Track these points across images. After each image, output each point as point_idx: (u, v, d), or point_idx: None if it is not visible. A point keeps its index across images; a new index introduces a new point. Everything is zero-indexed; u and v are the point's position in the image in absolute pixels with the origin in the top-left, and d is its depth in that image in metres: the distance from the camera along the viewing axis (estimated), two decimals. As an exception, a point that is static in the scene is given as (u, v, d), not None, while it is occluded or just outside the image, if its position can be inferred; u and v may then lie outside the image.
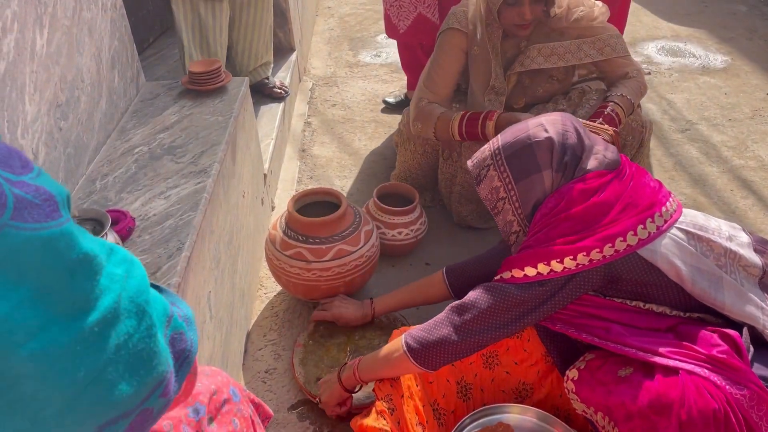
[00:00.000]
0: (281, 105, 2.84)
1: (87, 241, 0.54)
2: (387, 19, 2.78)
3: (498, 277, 1.39)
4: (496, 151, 1.40)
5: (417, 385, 1.47)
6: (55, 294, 0.50)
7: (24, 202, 0.48)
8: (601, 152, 1.40)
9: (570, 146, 1.37)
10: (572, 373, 1.35)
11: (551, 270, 1.31)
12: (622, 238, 1.29)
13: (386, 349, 1.44)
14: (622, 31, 2.69)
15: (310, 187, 2.59)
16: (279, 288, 2.08)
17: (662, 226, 1.31)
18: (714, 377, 1.20)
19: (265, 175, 2.37)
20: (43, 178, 0.52)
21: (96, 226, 1.28)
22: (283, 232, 1.90)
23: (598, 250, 1.29)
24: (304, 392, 1.72)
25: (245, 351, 1.87)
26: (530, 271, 1.33)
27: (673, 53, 3.81)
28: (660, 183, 1.41)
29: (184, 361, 0.66)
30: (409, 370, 1.40)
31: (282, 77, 3.08)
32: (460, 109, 2.18)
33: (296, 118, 3.22)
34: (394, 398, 1.36)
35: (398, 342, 1.40)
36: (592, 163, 1.37)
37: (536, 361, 1.54)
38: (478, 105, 2.10)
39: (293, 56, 3.31)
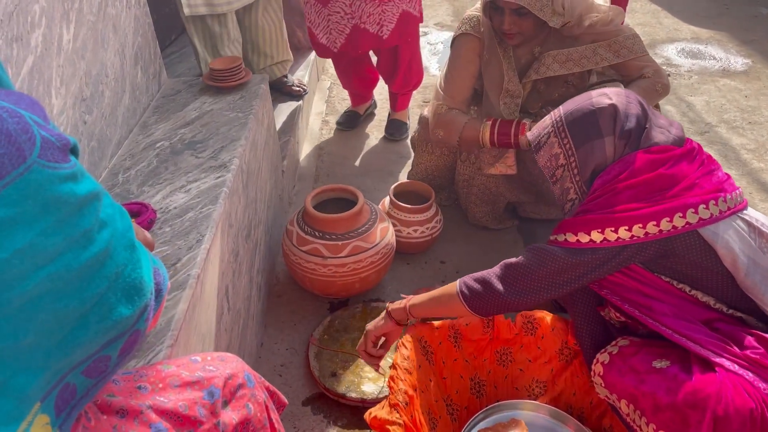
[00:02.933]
0: (299, 103, 2.86)
1: (90, 182, 0.61)
2: (314, 40, 2.65)
3: (552, 238, 1.39)
4: (558, 119, 1.40)
5: (430, 380, 1.49)
6: (69, 226, 0.56)
7: (49, 144, 0.55)
8: (665, 127, 1.38)
9: (633, 115, 1.36)
10: (603, 356, 1.34)
11: (605, 239, 1.29)
12: (681, 214, 1.25)
13: (440, 291, 1.47)
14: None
15: (327, 184, 2.61)
16: (295, 285, 2.11)
17: (725, 211, 1.27)
18: (751, 376, 1.18)
19: (283, 172, 2.40)
20: (57, 129, 0.59)
21: None
22: (300, 227, 1.92)
23: (654, 223, 1.26)
24: (318, 386, 1.74)
25: (261, 344, 1.89)
26: (583, 238, 1.31)
27: (693, 55, 3.78)
28: (729, 176, 1.37)
29: (159, 292, 0.74)
30: (462, 313, 1.43)
31: (300, 76, 3.11)
32: (477, 114, 2.18)
33: (314, 117, 3.24)
34: (408, 392, 1.37)
35: (453, 287, 1.43)
36: (658, 137, 1.35)
37: (550, 359, 1.54)
38: (494, 109, 2.10)
39: (312, 55, 3.33)
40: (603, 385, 1.32)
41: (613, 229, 1.28)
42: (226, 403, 0.94)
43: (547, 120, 1.43)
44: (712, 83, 3.43)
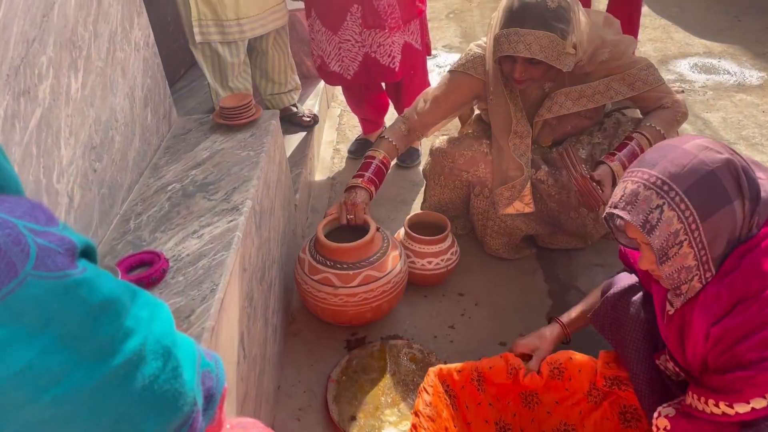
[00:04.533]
0: (310, 134, 2.84)
1: (110, 285, 0.55)
2: (324, 69, 2.61)
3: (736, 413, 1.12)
4: (663, 187, 1.12)
5: (455, 427, 1.44)
6: (79, 339, 0.51)
7: (47, 251, 0.50)
8: (765, 179, 1.17)
9: (746, 168, 1.14)
10: (667, 410, 1.25)
11: None
12: None
13: None
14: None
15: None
16: (311, 321, 2.07)
17: None
18: None
19: (296, 206, 2.37)
20: (67, 231, 0.54)
21: None
22: (312, 256, 1.90)
23: None
24: (338, 431, 1.69)
25: (278, 387, 1.85)
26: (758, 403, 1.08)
27: (706, 70, 3.73)
28: None
29: (211, 398, 0.68)
30: None
31: (310, 105, 3.10)
32: (489, 147, 2.14)
33: (325, 145, 3.22)
34: None
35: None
36: None
37: (578, 401, 1.49)
38: (503, 151, 2.07)
39: (321, 84, 3.32)
40: (669, 427, 1.23)
41: None
42: None
43: (642, 190, 1.14)
44: (727, 99, 3.38)
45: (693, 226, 1.11)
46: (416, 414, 1.37)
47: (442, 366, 1.51)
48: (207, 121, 2.11)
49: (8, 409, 0.48)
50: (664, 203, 1.12)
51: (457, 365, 1.51)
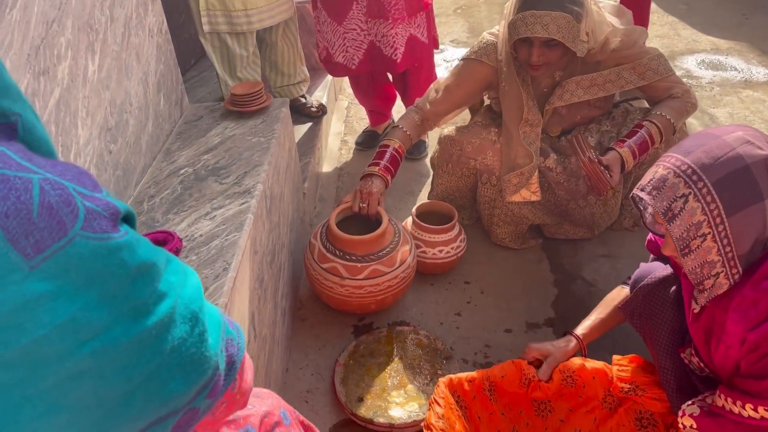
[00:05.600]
0: (318, 125, 2.87)
1: (147, 250, 0.57)
2: (329, 60, 2.63)
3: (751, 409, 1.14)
4: (693, 177, 1.10)
5: None
6: (118, 298, 0.54)
7: (94, 214, 0.52)
8: None
9: None
10: (692, 408, 1.24)
11: None
12: None
13: None
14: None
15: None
16: (318, 307, 2.09)
17: None
18: None
19: (304, 194, 2.39)
20: (110, 197, 0.57)
21: None
22: (322, 243, 1.92)
23: None
24: (345, 412, 1.71)
25: (286, 370, 1.87)
26: None
27: (713, 66, 3.74)
28: None
29: (232, 365, 0.70)
30: None
31: (318, 96, 3.12)
32: (497, 136, 2.16)
33: (333, 137, 3.25)
34: None
35: None
36: None
37: (593, 408, 1.46)
38: (513, 138, 2.08)
39: (329, 75, 3.34)
40: (695, 426, 1.22)
41: None
42: None
43: (671, 177, 1.13)
44: (734, 95, 3.39)
45: (717, 220, 1.08)
46: (429, 428, 1.34)
47: (452, 376, 1.48)
48: (218, 108, 2.13)
49: (51, 359, 0.50)
50: (690, 193, 1.10)
51: (468, 375, 1.48)
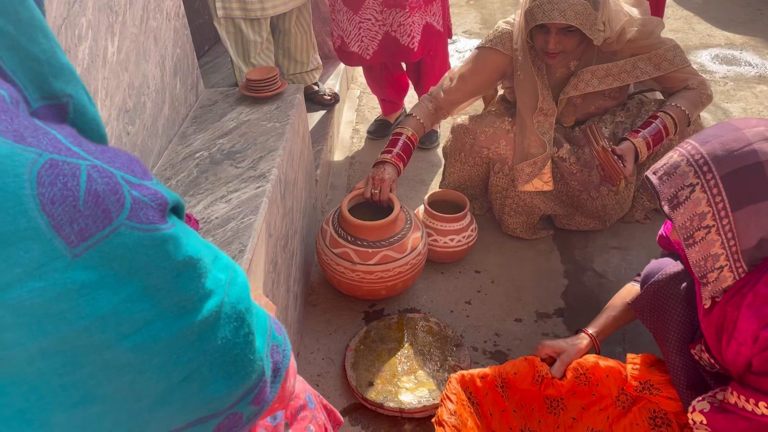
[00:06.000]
0: (330, 113, 2.87)
1: (195, 244, 0.55)
2: (344, 49, 2.64)
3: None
4: (704, 167, 1.10)
5: None
6: (161, 292, 0.52)
7: (141, 204, 0.50)
8: None
9: None
10: (702, 404, 1.24)
11: None
12: None
13: None
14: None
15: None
16: (329, 294, 2.11)
17: None
18: None
19: (316, 181, 2.40)
20: (160, 186, 0.55)
21: None
22: (334, 228, 1.93)
23: None
24: (356, 396, 1.73)
25: (297, 354, 1.89)
26: None
27: (727, 61, 3.72)
28: None
29: (277, 372, 0.68)
30: None
31: (331, 84, 3.12)
32: (511, 125, 2.16)
33: (344, 125, 3.25)
34: None
35: None
36: None
37: (606, 406, 1.45)
38: (526, 127, 2.08)
39: (342, 64, 3.34)
40: (705, 422, 1.22)
41: None
42: (287, 426, 0.93)
43: (683, 165, 1.13)
44: (748, 89, 3.37)
45: (722, 213, 1.08)
46: (440, 424, 1.33)
47: (464, 372, 1.48)
48: (233, 94, 2.14)
49: (89, 350, 0.50)
50: (698, 183, 1.10)
51: (480, 371, 1.48)
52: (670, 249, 1.53)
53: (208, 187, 1.63)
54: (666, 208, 1.17)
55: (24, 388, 0.49)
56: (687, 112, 1.96)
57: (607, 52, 1.98)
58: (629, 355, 1.48)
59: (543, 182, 2.08)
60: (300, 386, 1.00)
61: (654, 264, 1.54)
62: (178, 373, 0.55)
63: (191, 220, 1.45)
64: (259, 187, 1.62)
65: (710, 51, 3.86)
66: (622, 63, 1.97)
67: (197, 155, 1.78)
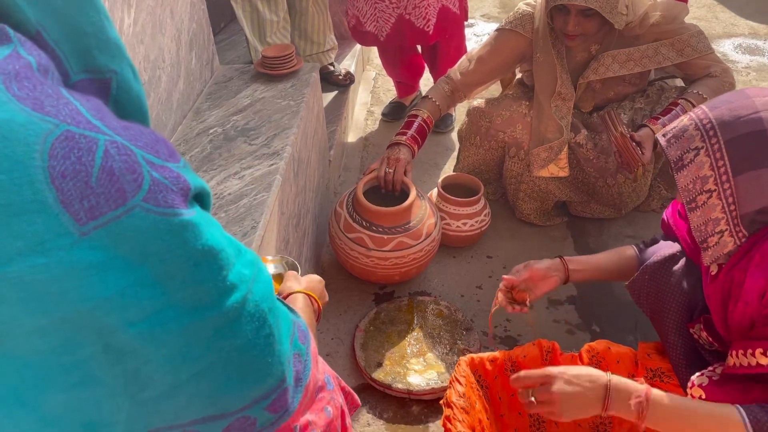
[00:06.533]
0: (345, 94, 2.85)
1: (216, 235, 0.53)
2: (359, 29, 2.62)
3: None
4: (710, 131, 1.11)
5: (488, 419, 1.39)
6: (175, 280, 0.49)
7: (160, 186, 0.48)
8: None
9: None
10: (701, 379, 1.22)
11: None
12: None
13: (709, 408, 1.11)
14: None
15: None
16: (340, 274, 2.10)
17: None
18: None
19: (329, 162, 2.39)
20: (186, 170, 0.52)
21: None
22: (349, 213, 1.92)
23: None
24: (364, 377, 1.73)
25: (307, 333, 1.89)
26: None
27: (750, 51, 3.65)
28: None
29: (298, 383, 0.64)
30: None
31: (347, 65, 3.09)
32: (528, 109, 2.13)
33: (359, 107, 3.23)
34: None
35: (731, 411, 1.08)
36: None
37: None
38: (543, 111, 2.05)
39: (358, 45, 3.31)
40: (704, 397, 1.20)
41: None
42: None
43: (691, 129, 1.14)
44: (771, 80, 3.31)
45: (724, 178, 1.10)
46: (449, 405, 1.31)
47: (474, 356, 1.46)
48: (248, 71, 2.13)
49: (91, 332, 0.48)
50: (702, 147, 1.12)
51: (490, 355, 1.46)
52: (670, 234, 1.51)
53: (221, 163, 1.62)
54: (672, 170, 1.18)
55: (18, 364, 0.47)
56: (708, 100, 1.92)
57: (629, 36, 1.94)
58: (641, 343, 1.47)
59: (559, 168, 2.05)
60: (319, 367, 0.99)
61: (650, 247, 1.54)
62: (188, 367, 0.52)
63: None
64: (272, 164, 1.61)
65: (733, 40, 3.79)
66: (644, 48, 1.93)
67: (211, 131, 1.77)
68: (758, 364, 1.10)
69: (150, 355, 0.50)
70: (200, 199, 0.53)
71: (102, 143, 0.45)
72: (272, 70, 2.05)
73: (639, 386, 1.12)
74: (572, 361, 1.45)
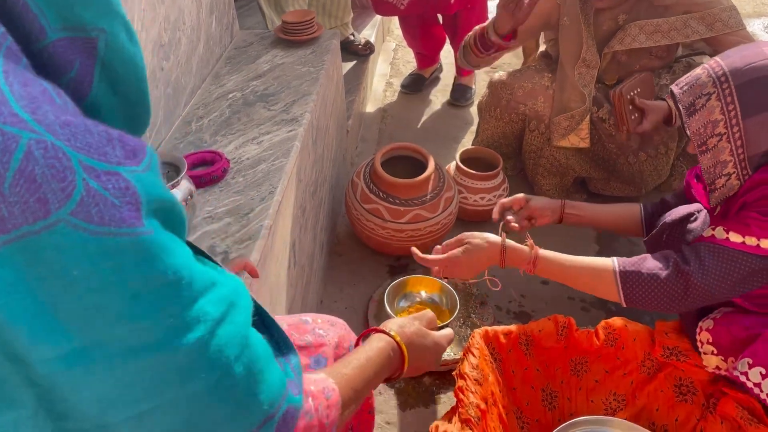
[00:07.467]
0: (364, 64, 2.82)
1: (178, 263, 0.45)
2: None
3: (710, 234, 1.24)
4: (721, 78, 1.17)
5: (500, 392, 1.39)
6: (107, 315, 0.42)
7: (97, 198, 0.40)
8: None
9: None
10: (706, 323, 1.27)
11: None
12: None
13: (589, 260, 1.34)
14: None
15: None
16: (355, 245, 2.10)
17: None
18: None
19: (347, 131, 2.37)
20: (150, 175, 0.44)
21: (171, 170, 1.23)
22: (366, 184, 1.90)
23: None
24: (377, 347, 1.73)
25: (321, 302, 1.89)
26: (750, 241, 1.17)
27: (781, 31, 3.56)
28: None
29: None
30: (606, 292, 1.30)
31: (367, 35, 3.05)
32: (551, 81, 2.09)
33: (378, 78, 3.20)
34: (480, 406, 1.26)
35: (606, 261, 1.31)
36: None
37: (630, 371, 1.41)
38: (567, 78, 2.01)
39: (378, 15, 3.26)
40: (716, 352, 1.23)
41: None
42: None
43: (703, 77, 1.19)
44: (801, 62, 3.22)
45: (734, 121, 1.16)
46: (462, 376, 1.31)
47: (488, 328, 1.44)
48: (268, 36, 2.11)
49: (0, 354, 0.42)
50: (714, 93, 1.17)
51: (504, 328, 1.45)
52: (690, 195, 1.51)
53: (240, 128, 1.61)
54: (683, 116, 1.23)
55: None
56: None
57: (659, 6, 1.89)
58: (659, 322, 1.46)
59: (580, 138, 2.01)
60: (345, 334, 0.98)
61: (666, 203, 1.59)
62: (122, 411, 0.45)
63: (222, 159, 1.43)
64: (291, 130, 1.59)
65: (763, 20, 3.69)
66: (673, 20, 1.88)
67: (230, 96, 1.76)
68: (727, 239, 1.20)
69: (66, 395, 0.43)
70: (165, 214, 0.45)
71: (24, 142, 0.38)
72: (292, 36, 2.02)
73: (528, 248, 1.39)
74: (588, 338, 1.44)
